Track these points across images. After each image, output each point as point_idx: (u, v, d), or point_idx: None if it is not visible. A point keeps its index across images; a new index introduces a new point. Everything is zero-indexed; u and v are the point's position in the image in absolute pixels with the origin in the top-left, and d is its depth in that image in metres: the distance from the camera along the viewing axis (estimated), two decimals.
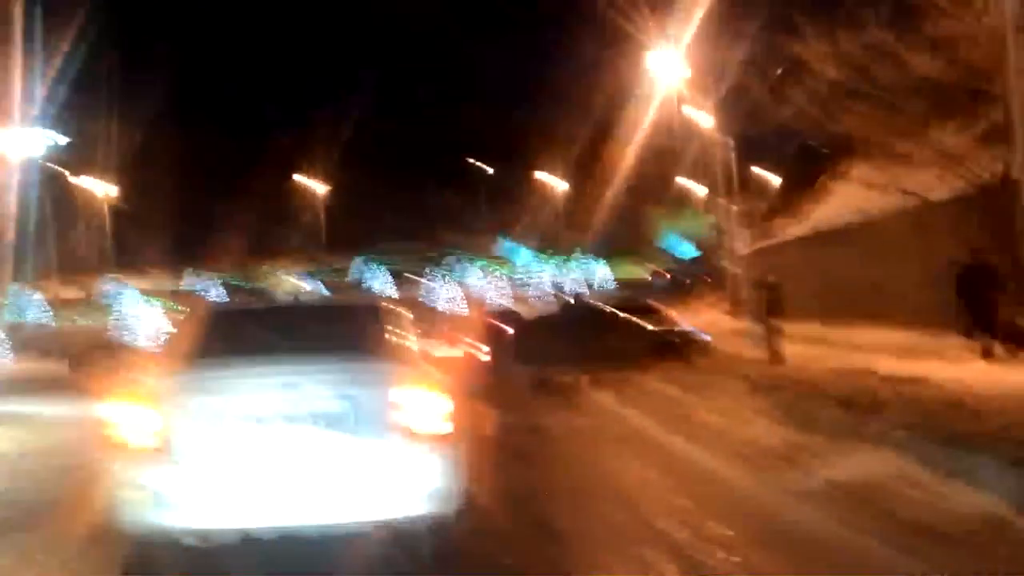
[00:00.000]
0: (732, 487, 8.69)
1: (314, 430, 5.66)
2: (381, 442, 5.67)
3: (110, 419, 5.77)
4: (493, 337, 19.47)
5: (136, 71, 54.25)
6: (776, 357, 19.08)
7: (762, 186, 51.79)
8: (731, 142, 39.07)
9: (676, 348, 19.74)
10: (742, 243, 36.86)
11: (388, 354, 6.25)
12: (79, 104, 48.34)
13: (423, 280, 57.86)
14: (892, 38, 16.17)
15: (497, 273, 58.74)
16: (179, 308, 53.47)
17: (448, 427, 5.82)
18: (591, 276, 57.27)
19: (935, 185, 18.51)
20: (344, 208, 61.83)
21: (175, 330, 6.86)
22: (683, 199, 56.59)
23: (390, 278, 58.39)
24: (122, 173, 55.43)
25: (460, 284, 56.66)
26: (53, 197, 51.99)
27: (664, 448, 11.18)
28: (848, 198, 26.97)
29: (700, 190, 55.91)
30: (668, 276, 53.82)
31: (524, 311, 24.07)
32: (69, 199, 55.40)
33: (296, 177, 62.64)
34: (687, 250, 55.66)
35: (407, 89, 66.83)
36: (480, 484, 8.64)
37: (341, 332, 6.52)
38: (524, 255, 60.94)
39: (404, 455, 5.68)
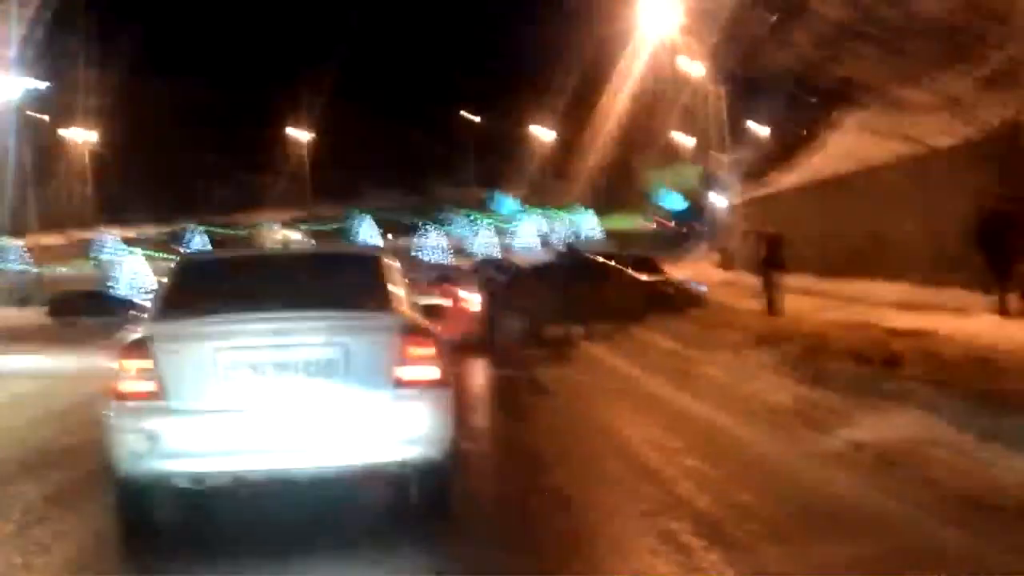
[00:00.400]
0: (748, 448, 8.09)
1: (305, 377, 5.74)
2: (370, 388, 5.75)
3: (107, 366, 5.97)
4: (484, 287, 18.79)
5: (118, 17, 53.05)
6: (774, 309, 18.51)
7: (753, 138, 51.13)
8: (722, 90, 38.31)
9: (670, 299, 19.13)
10: (733, 193, 36.27)
11: (377, 303, 6.22)
12: (59, 50, 47.37)
13: (412, 231, 57.19)
14: None
15: (486, 225, 57.97)
16: (166, 257, 52.87)
17: (436, 374, 5.89)
18: (580, 227, 56.51)
19: (938, 132, 17.84)
20: (329, 158, 60.81)
21: (168, 279, 6.68)
22: (672, 151, 55.91)
23: (376, 229, 57.41)
24: (104, 121, 54.35)
25: (449, 236, 55.99)
26: (34, 144, 51.01)
27: (668, 405, 10.59)
28: (845, 146, 26.32)
29: (690, 142, 55.32)
30: (672, 224, 52.74)
31: (516, 261, 23.30)
32: (50, 146, 54.32)
33: (281, 126, 61.49)
34: (675, 201, 54.98)
35: (393, 38, 65.46)
36: (474, 446, 8.13)
37: (331, 281, 6.55)
38: (511, 206, 60.18)
39: (393, 401, 5.76)
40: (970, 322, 13.58)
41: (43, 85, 56.71)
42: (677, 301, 19.03)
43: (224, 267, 7.21)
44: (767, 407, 9.50)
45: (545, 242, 54.32)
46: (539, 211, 58.45)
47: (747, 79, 39.24)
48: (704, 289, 20.07)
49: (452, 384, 6.15)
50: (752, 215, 31.64)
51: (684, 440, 8.39)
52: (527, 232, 56.48)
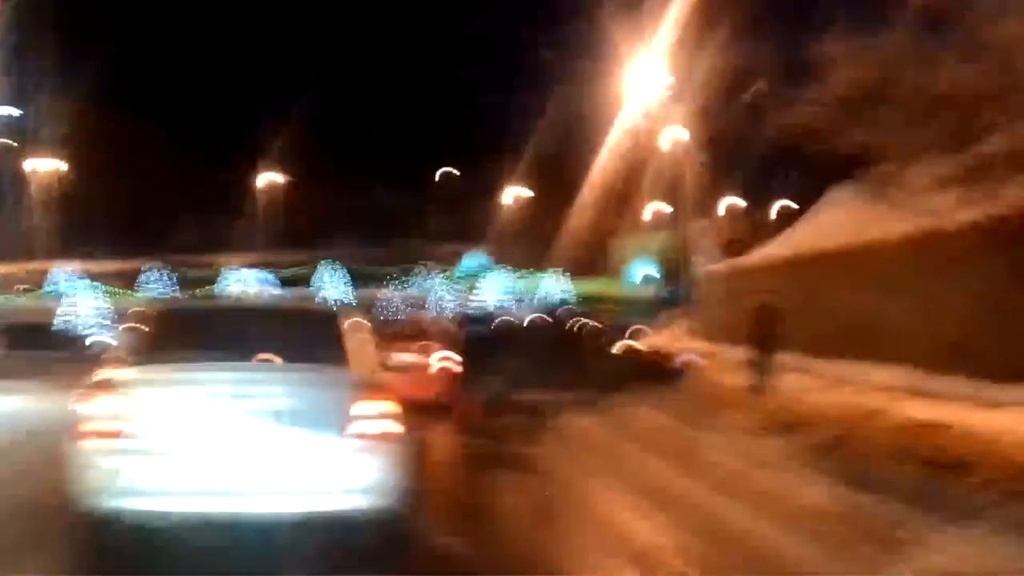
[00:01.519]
0: (807, 573, 6.45)
1: (267, 425, 5.88)
2: (329, 439, 5.93)
3: (79, 406, 5.98)
4: (461, 346, 17.13)
5: (88, 49, 51.41)
6: (764, 386, 17.02)
7: (731, 210, 50.29)
8: (702, 157, 37.25)
9: (656, 369, 17.62)
10: (711, 262, 34.91)
11: (336, 359, 6.48)
12: (30, 78, 45.67)
13: (381, 282, 55.44)
14: (920, 40, 14.10)
15: (456, 280, 56.30)
16: (125, 293, 50.75)
17: (389, 426, 6.10)
18: (551, 288, 54.98)
19: (950, 209, 16.52)
20: (297, 204, 59.09)
21: (138, 324, 6.93)
22: (645, 217, 54.87)
23: (343, 278, 55.35)
24: (71, 152, 52.44)
25: (419, 290, 54.30)
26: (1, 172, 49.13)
27: (681, 498, 8.99)
28: (837, 221, 25.12)
29: (666, 209, 54.34)
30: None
31: (495, 319, 21.68)
32: (15, 175, 52.31)
33: (250, 169, 59.68)
34: (648, 269, 53.81)
35: (369, 88, 64.20)
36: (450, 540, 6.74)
37: (293, 336, 6.76)
38: (481, 263, 58.60)
39: (348, 451, 5.94)
40: (997, 416, 12.14)
41: (15, 112, 55.03)
42: (666, 372, 17.53)
43: (193, 317, 7.50)
44: (806, 511, 7.94)
45: (516, 301, 52.80)
46: (508, 270, 56.83)
47: (731, 146, 38.52)
48: (692, 360, 18.51)
49: (406, 438, 6.26)
50: (733, 286, 30.27)
51: (719, 550, 6.79)
52: (495, 290, 54.84)
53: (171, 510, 5.83)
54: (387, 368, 15.25)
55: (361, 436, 5.97)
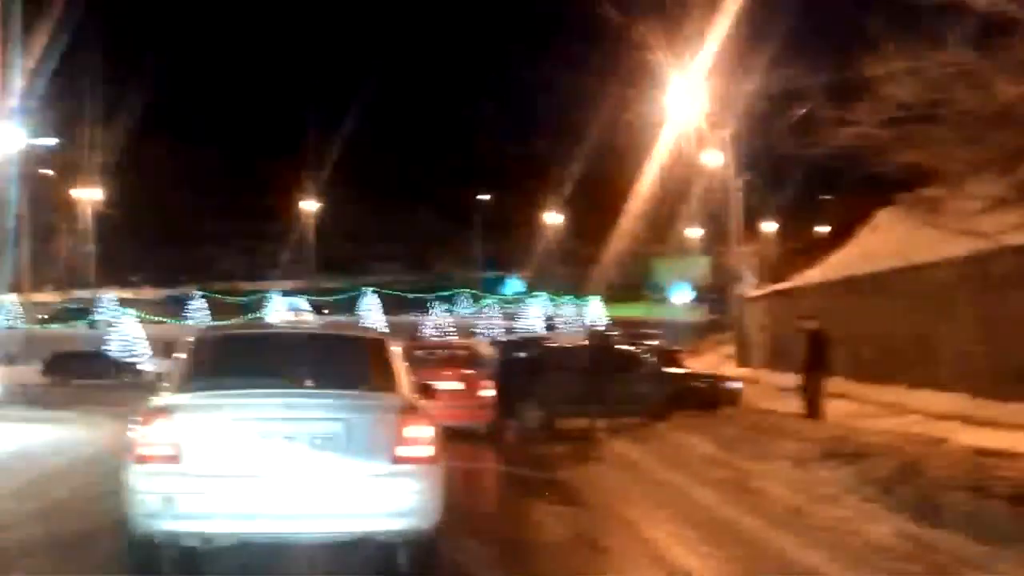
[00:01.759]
0: None
1: (309, 448, 6.05)
2: (369, 462, 6.07)
3: (136, 431, 6.16)
4: (500, 371, 16.69)
5: (129, 78, 51.80)
6: (815, 413, 16.41)
7: (765, 235, 49.57)
8: (741, 180, 36.63)
9: (702, 395, 17.07)
10: (750, 287, 34.30)
11: (379, 384, 6.61)
12: (70, 106, 45.98)
13: (416, 308, 55.21)
14: (977, 58, 13.53)
15: (492, 305, 55.95)
16: (162, 320, 50.81)
17: (429, 451, 6.21)
18: (587, 312, 54.46)
19: (1008, 229, 15.88)
20: (334, 230, 59.07)
21: (187, 352, 6.93)
22: (683, 241, 54.29)
23: (380, 304, 55.04)
24: (110, 180, 52.72)
25: (455, 315, 53.97)
26: (39, 201, 49.38)
27: (738, 531, 8.45)
28: (882, 242, 24.52)
29: (698, 233, 53.68)
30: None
31: (535, 344, 21.19)
32: (56, 203, 52.61)
33: (288, 196, 59.74)
34: (684, 293, 53.10)
35: (404, 113, 64.28)
36: None
37: (337, 361, 6.90)
38: (517, 288, 58.25)
39: (389, 475, 6.07)
40: None
41: (52, 141, 55.49)
42: (709, 398, 16.98)
43: (239, 343, 7.45)
44: (873, 548, 7.40)
45: (551, 326, 52.31)
46: (545, 295, 56.44)
47: (770, 172, 37.88)
48: (739, 386, 17.93)
49: (443, 462, 6.39)
50: (775, 311, 29.64)
51: None
52: (533, 315, 54.41)
53: (225, 532, 6.08)
54: (429, 394, 14.97)
55: (407, 460, 6.14)
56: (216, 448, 6.04)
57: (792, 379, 21.56)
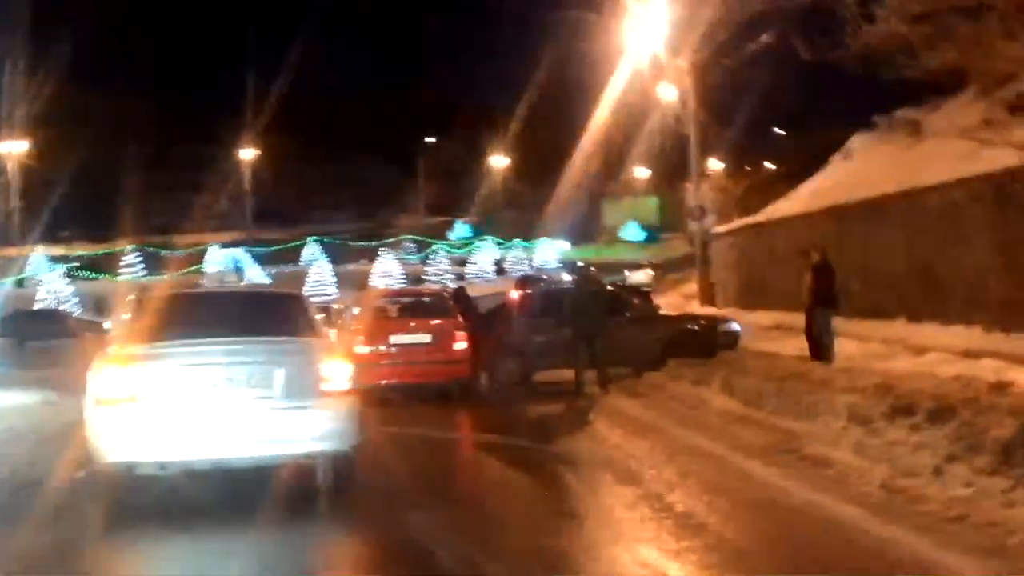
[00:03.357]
0: None
1: (246, 386, 6.89)
2: (296, 395, 6.90)
3: (91, 377, 6.97)
4: (472, 320, 14.20)
5: (56, 24, 47.79)
6: (824, 355, 14.26)
7: (717, 173, 47.35)
8: (697, 112, 34.14)
9: (698, 339, 14.80)
10: (711, 222, 31.97)
11: (301, 331, 7.51)
12: None
13: (362, 257, 52.21)
14: None
15: (442, 252, 53.04)
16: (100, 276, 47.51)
17: (348, 385, 7.11)
18: (537, 256, 52.03)
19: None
20: (274, 179, 55.60)
21: (132, 308, 7.85)
22: (631, 182, 52.06)
23: (325, 254, 51.58)
24: (36, 132, 48.71)
25: (404, 263, 51.13)
26: None
27: (848, 535, 6.06)
28: (871, 167, 22.44)
29: (645, 173, 51.43)
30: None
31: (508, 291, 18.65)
32: None
33: (224, 145, 56.06)
34: (635, 232, 51.09)
35: (344, 54, 60.78)
36: None
37: (265, 313, 7.96)
38: (466, 233, 55.61)
39: (315, 405, 6.92)
40: None
41: None
42: (706, 342, 14.71)
43: (178, 301, 8.36)
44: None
45: (500, 271, 49.90)
46: (492, 239, 53.80)
47: (722, 105, 35.58)
48: (738, 328, 15.62)
49: (359, 392, 7.36)
50: (746, 247, 27.49)
51: None
52: (484, 260, 51.81)
53: (177, 460, 6.88)
54: (392, 350, 12.37)
55: (327, 394, 6.95)
56: (166, 390, 6.77)
57: (768, 317, 19.47)
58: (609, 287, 16.71)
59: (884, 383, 9.77)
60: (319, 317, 8.03)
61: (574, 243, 52.21)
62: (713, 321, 15.68)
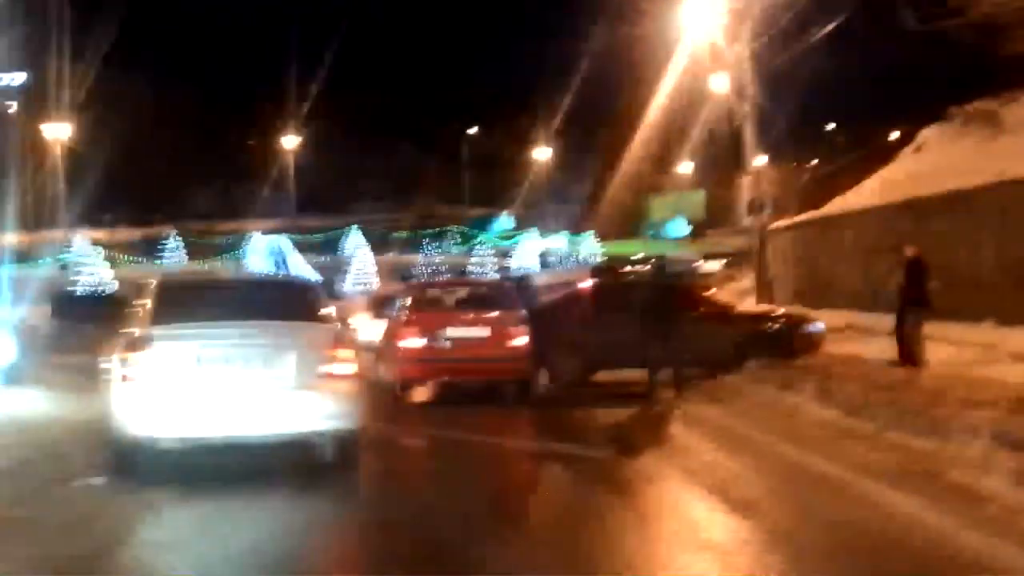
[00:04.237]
0: None
1: (261, 367, 7.28)
2: (306, 376, 7.30)
3: (114, 358, 7.52)
4: (530, 314, 12.79)
5: (101, 10, 46.96)
6: (914, 358, 12.82)
7: (763, 168, 45.54)
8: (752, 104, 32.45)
9: (777, 341, 13.39)
10: (769, 218, 30.35)
11: (312, 317, 7.88)
12: (38, 41, 41.44)
13: (404, 248, 50.98)
14: None
15: (486, 244, 51.61)
16: (136, 260, 46.74)
17: (353, 369, 7.57)
18: (580, 250, 50.54)
19: None
20: (316, 168, 54.39)
21: (153, 294, 7.84)
22: (675, 176, 50.53)
23: (366, 243, 50.20)
24: (81, 118, 47.92)
25: (447, 254, 49.89)
26: (6, 138, 44.96)
27: None
28: (943, 161, 20.89)
29: (688, 168, 49.87)
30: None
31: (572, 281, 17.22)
32: (25, 141, 47.95)
33: (267, 133, 54.94)
34: (680, 228, 49.55)
35: (389, 45, 59.59)
36: None
37: (278, 300, 8.30)
38: (508, 226, 54.18)
39: (322, 388, 7.33)
40: None
41: (20, 77, 50.77)
42: (784, 344, 13.29)
43: (197, 287, 9.38)
44: None
45: (544, 263, 48.47)
46: (536, 231, 52.25)
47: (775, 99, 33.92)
48: (821, 329, 14.15)
49: (364, 375, 8.29)
50: (805, 241, 25.94)
51: None
52: (528, 252, 50.37)
53: (195, 436, 7.21)
54: (445, 344, 11.02)
55: (335, 376, 7.42)
56: (185, 370, 7.13)
57: (837, 317, 18.10)
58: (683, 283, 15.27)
59: (1019, 396, 8.36)
60: (333, 307, 8.62)
61: (619, 237, 50.66)
62: (793, 320, 14.21)
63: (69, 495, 7.08)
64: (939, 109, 24.43)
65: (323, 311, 8.03)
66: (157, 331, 7.27)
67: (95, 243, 45.90)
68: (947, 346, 14.78)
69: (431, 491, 7.42)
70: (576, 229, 51.69)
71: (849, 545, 5.48)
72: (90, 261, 44.30)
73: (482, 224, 54.27)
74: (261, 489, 7.03)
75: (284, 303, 8.07)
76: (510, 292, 13.42)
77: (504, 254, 50.54)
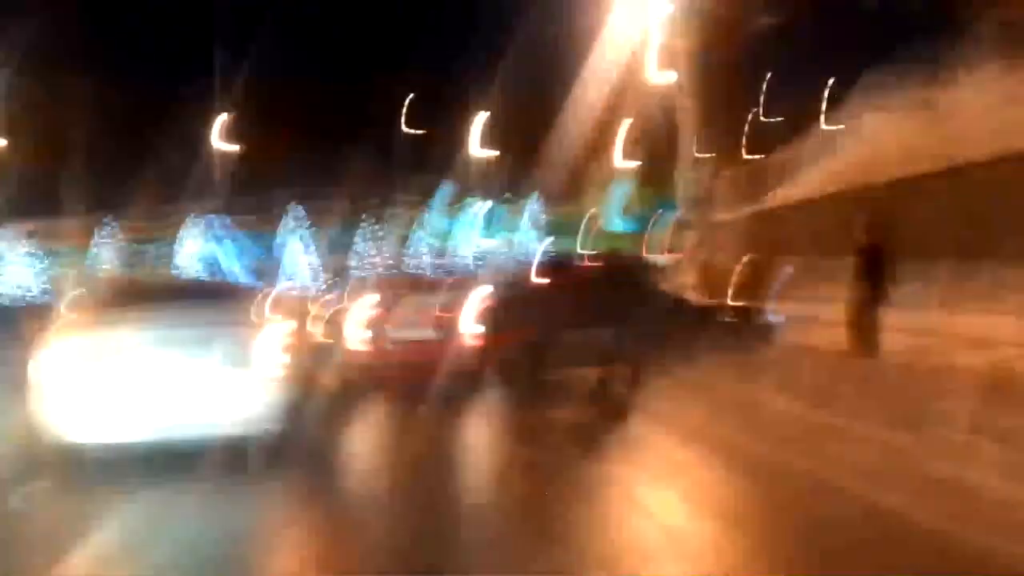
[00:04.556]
0: None
1: (186, 367, 7.15)
2: (234, 378, 7.22)
3: (35, 360, 7.15)
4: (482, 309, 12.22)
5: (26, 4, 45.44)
6: (867, 346, 12.55)
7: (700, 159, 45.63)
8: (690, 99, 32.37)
9: (734, 331, 13.06)
10: (715, 210, 30.21)
11: (238, 318, 7.81)
12: None
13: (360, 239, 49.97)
14: None
15: (426, 237, 50.85)
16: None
17: (281, 371, 7.50)
18: (522, 244, 50.10)
19: None
20: (251, 172, 53.23)
21: (87, 291, 8.40)
22: (613, 171, 50.44)
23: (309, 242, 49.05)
24: (6, 120, 46.33)
25: (386, 245, 49.16)
26: None
27: None
28: (884, 147, 20.89)
29: (627, 164, 49.80)
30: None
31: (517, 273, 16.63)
32: None
33: (199, 129, 53.65)
34: (624, 223, 49.27)
35: (321, 20, 58.28)
36: None
37: (205, 299, 8.35)
38: (448, 221, 53.55)
39: (249, 388, 7.27)
40: None
41: None
42: (743, 333, 12.98)
43: (126, 285, 9.58)
44: None
45: (480, 260, 47.90)
46: (473, 228, 51.71)
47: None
48: (780, 320, 13.81)
49: (291, 376, 7.68)
50: (751, 232, 25.81)
51: None
52: (464, 250, 49.76)
53: (111, 440, 6.98)
54: (391, 346, 10.50)
55: (263, 375, 7.35)
56: (105, 373, 6.95)
57: (782, 308, 17.93)
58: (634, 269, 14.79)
59: (992, 384, 8.08)
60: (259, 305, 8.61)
61: (558, 234, 50.25)
62: (749, 311, 13.90)
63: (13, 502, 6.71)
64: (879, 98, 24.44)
65: (249, 309, 8.10)
66: (81, 329, 7.30)
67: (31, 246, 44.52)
68: (896, 333, 14.62)
69: (378, 492, 6.96)
70: (514, 227, 51.31)
71: (847, 548, 5.08)
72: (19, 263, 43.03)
73: (419, 219, 53.52)
74: (207, 487, 6.75)
75: (209, 302, 8.10)
76: (456, 287, 12.87)
77: (441, 252, 49.98)
